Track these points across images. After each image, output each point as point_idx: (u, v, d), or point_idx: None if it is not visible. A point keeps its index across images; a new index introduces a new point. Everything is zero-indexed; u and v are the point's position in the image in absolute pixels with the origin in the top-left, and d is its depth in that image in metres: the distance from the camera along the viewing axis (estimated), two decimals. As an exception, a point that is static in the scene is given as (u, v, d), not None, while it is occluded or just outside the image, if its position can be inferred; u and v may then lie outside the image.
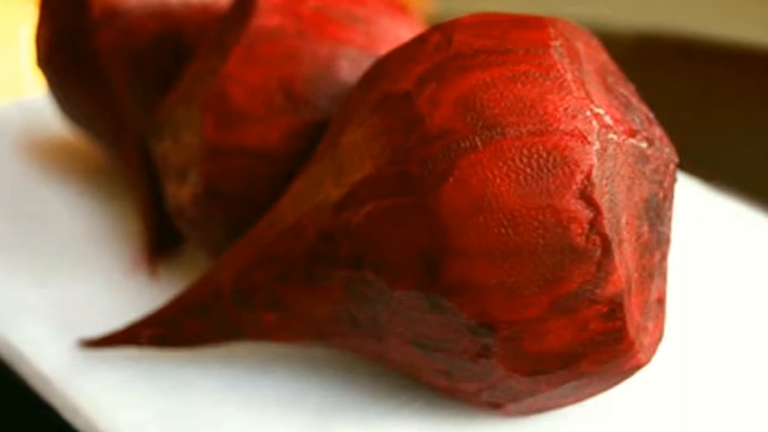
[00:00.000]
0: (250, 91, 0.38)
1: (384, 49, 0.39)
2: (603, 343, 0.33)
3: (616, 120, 0.33)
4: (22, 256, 0.44)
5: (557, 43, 0.33)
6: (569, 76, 0.32)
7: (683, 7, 0.72)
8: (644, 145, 0.33)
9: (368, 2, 0.40)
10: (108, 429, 0.36)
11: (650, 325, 0.34)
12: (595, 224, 0.31)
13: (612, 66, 0.35)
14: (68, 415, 0.37)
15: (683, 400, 0.37)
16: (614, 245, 0.32)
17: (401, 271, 0.32)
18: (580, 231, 0.31)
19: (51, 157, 0.51)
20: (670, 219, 0.35)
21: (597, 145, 0.32)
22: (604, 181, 0.32)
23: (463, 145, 0.32)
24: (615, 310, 0.32)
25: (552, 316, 0.32)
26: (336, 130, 0.35)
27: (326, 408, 0.37)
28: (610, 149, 0.32)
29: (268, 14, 0.38)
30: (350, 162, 0.33)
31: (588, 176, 0.31)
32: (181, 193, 0.39)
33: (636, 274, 0.33)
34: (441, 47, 0.34)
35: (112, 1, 0.44)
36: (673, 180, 0.35)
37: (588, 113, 0.32)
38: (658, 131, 0.34)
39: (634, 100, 0.34)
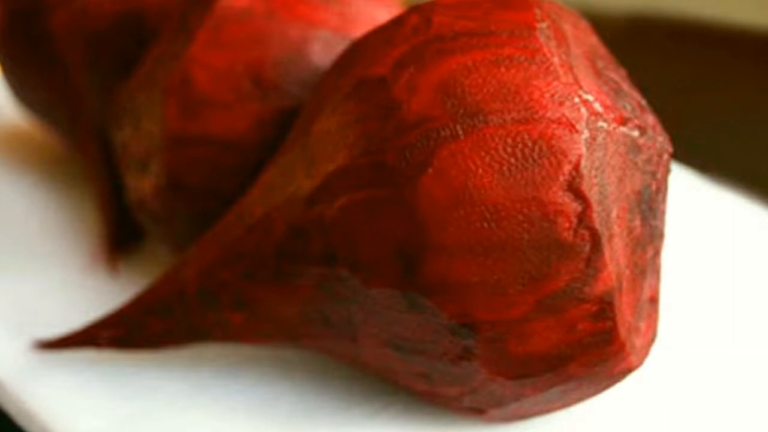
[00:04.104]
0: (215, 77, 0.38)
1: (359, 31, 0.39)
2: (592, 345, 0.33)
3: (606, 107, 0.32)
4: (-27, 252, 0.44)
5: (543, 24, 0.33)
6: (556, 60, 0.32)
7: (677, -13, 0.72)
8: (636, 133, 0.33)
9: (342, -19, 0.40)
10: (64, 437, 0.36)
11: (642, 325, 0.34)
12: (583, 218, 0.31)
13: (602, 49, 0.35)
14: (23, 422, 0.37)
15: (677, 405, 0.37)
16: (604, 240, 0.32)
17: (377, 268, 0.32)
18: (567, 225, 0.31)
19: (4, 146, 0.50)
20: (663, 212, 0.35)
21: (586, 134, 0.32)
22: (594, 172, 0.32)
23: (442, 133, 0.32)
24: (605, 309, 0.32)
25: (538, 316, 0.32)
26: (307, 117, 0.35)
27: (299, 414, 0.37)
28: (600, 138, 0.32)
29: (236, -6, 0.38)
30: (323, 152, 0.33)
31: (576, 167, 0.31)
32: (142, 184, 0.39)
33: (627, 271, 0.33)
34: (419, 29, 0.33)
35: (69, -21, 0.44)
36: (667, 171, 0.35)
37: (576, 100, 0.32)
38: (650, 119, 0.34)
39: (626, 86, 0.34)
